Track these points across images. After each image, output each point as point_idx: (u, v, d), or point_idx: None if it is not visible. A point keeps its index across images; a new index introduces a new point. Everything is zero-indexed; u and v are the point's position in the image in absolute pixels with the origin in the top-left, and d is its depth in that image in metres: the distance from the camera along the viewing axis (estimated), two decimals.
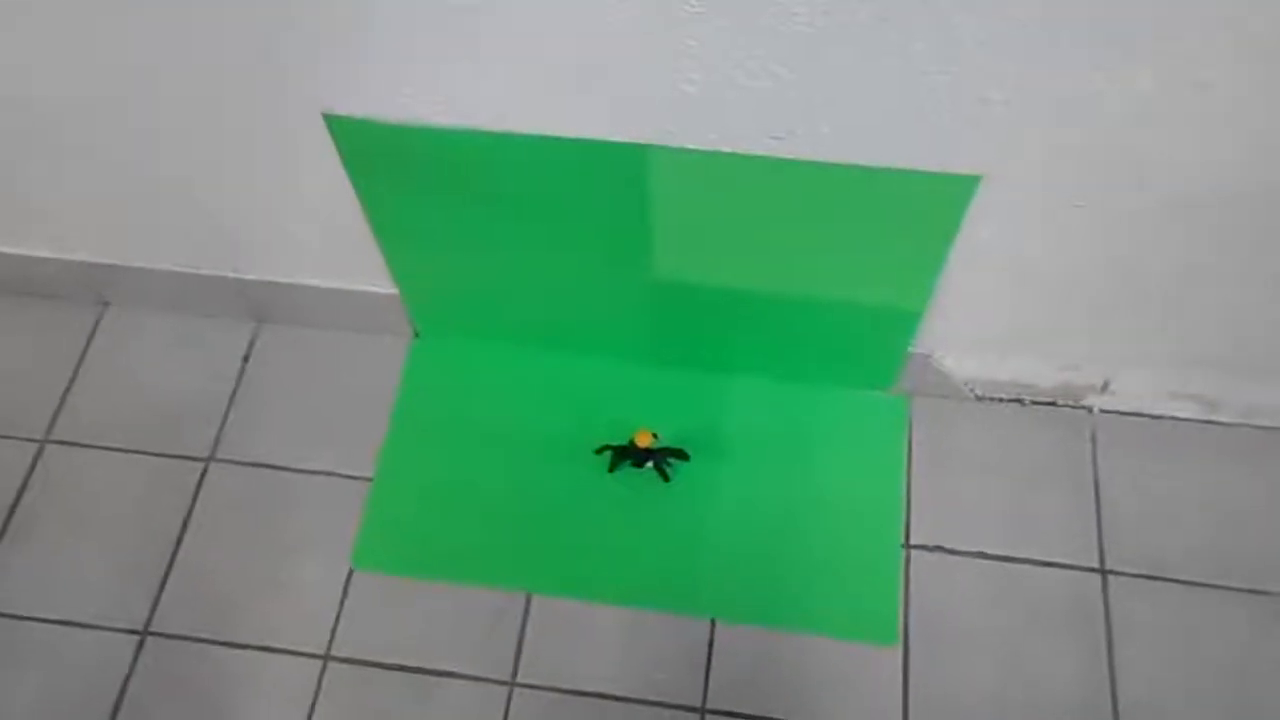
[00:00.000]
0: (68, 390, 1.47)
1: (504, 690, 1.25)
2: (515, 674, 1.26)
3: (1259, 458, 1.37)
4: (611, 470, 1.37)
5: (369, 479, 1.39)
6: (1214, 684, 1.24)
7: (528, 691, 1.25)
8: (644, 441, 1.32)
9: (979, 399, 1.42)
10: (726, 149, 1.02)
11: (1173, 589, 1.29)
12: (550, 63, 0.96)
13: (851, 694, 1.24)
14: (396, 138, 1.08)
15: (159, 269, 1.43)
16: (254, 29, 0.98)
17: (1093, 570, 1.31)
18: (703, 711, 1.24)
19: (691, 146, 1.03)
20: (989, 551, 1.32)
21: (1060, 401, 1.41)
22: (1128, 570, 1.30)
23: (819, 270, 1.19)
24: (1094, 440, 1.39)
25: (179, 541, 1.36)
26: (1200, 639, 1.26)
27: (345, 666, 1.27)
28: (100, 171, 1.24)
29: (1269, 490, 1.35)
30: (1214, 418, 1.39)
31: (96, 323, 1.52)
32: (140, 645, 1.29)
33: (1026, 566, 1.31)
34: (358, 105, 1.05)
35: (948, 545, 1.33)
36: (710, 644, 1.28)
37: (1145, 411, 1.40)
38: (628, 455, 1.34)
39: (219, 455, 1.42)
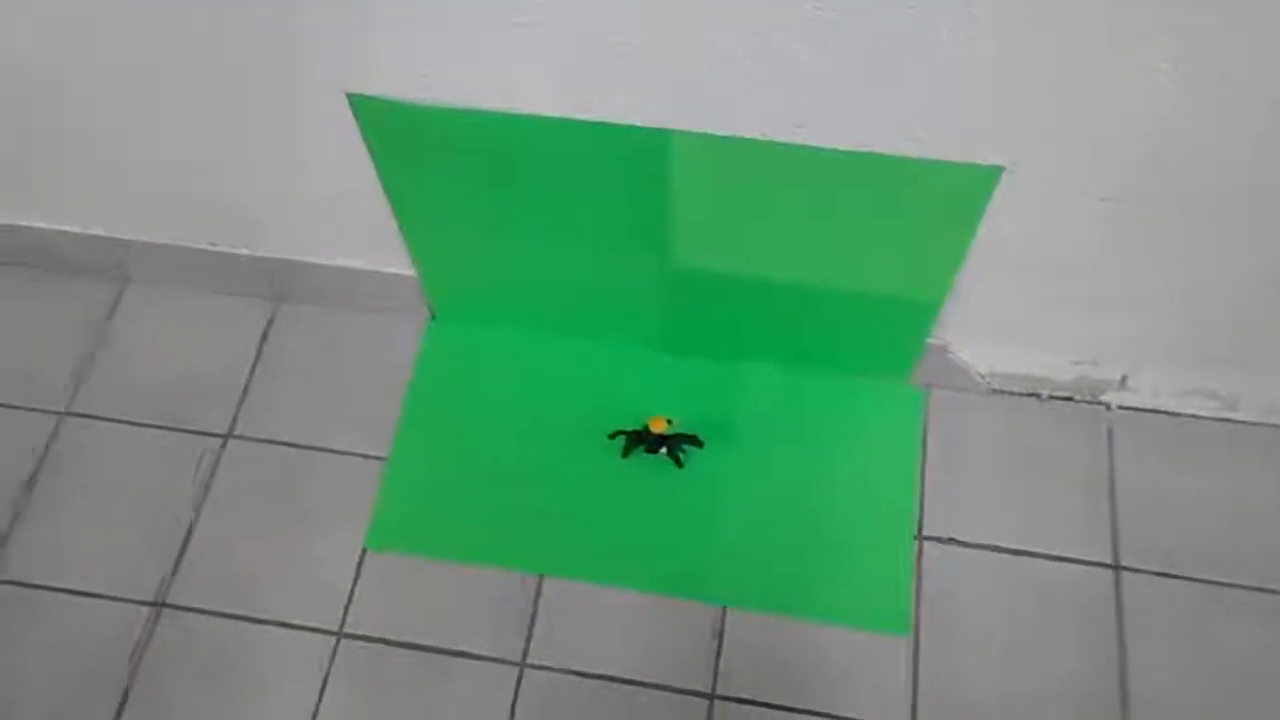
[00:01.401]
0: (87, 364, 1.48)
1: (514, 671, 1.26)
2: (525, 655, 1.27)
3: (1277, 456, 1.36)
4: (625, 455, 1.37)
5: (384, 459, 1.40)
6: (1224, 682, 1.23)
7: (538, 673, 1.26)
8: (658, 427, 1.32)
9: (995, 392, 1.41)
10: (748, 135, 1.02)
11: (1186, 586, 1.29)
12: (573, 46, 0.96)
13: (861, 683, 1.24)
14: (419, 118, 1.08)
15: (180, 246, 1.44)
16: (279, 7, 0.99)
17: (1106, 566, 1.30)
18: (712, 697, 1.24)
19: (713, 132, 1.02)
20: (1002, 545, 1.32)
21: (1077, 396, 1.40)
22: (1141, 567, 1.30)
23: (838, 259, 1.19)
24: (1110, 436, 1.39)
25: (195, 517, 1.37)
26: (1212, 637, 1.26)
27: (357, 644, 1.28)
28: (122, 148, 1.25)
29: None
30: (1232, 415, 1.38)
31: (117, 298, 1.53)
32: (155, 617, 1.31)
33: (1039, 560, 1.31)
34: (381, 85, 1.06)
35: (960, 537, 1.33)
36: (721, 630, 1.28)
37: (1163, 408, 1.39)
38: (642, 441, 1.34)
39: (236, 432, 1.43)
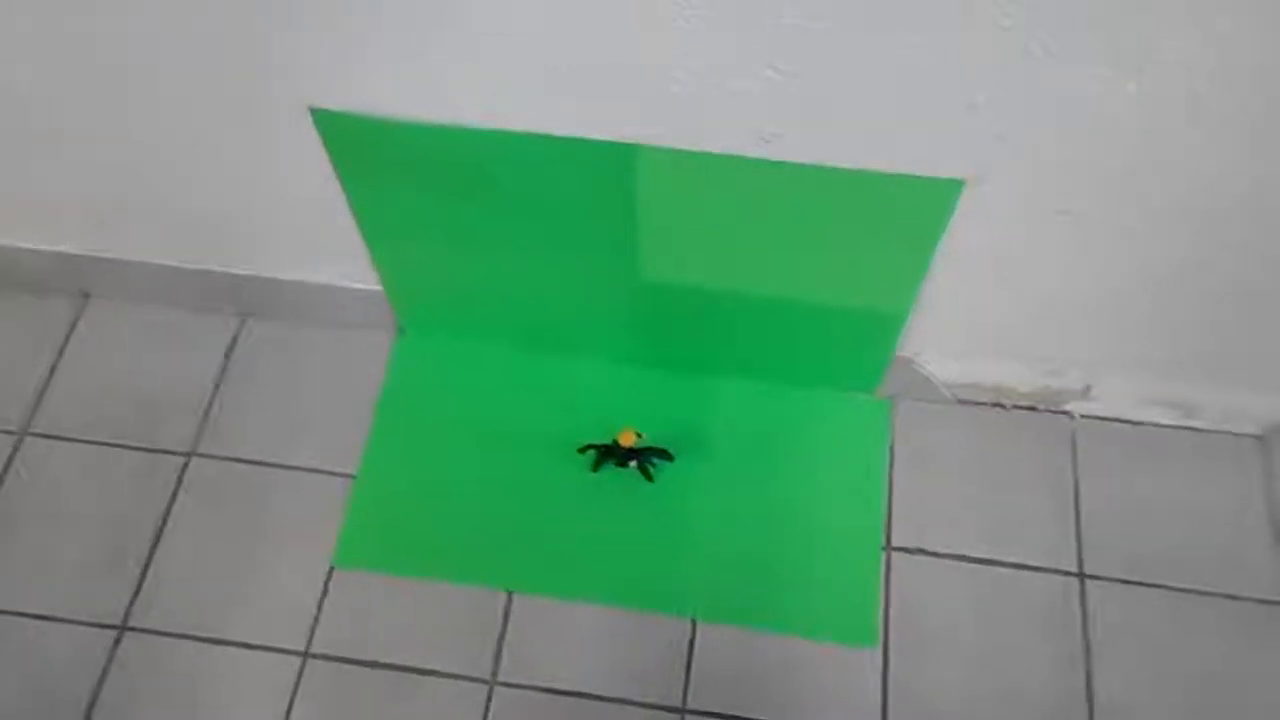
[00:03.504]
0: (47, 382, 1.46)
1: (484, 689, 1.25)
2: (496, 673, 1.26)
3: (1235, 463, 1.38)
4: (595, 469, 1.37)
5: (351, 476, 1.38)
6: (1188, 688, 1.25)
7: (508, 690, 1.25)
8: (628, 441, 1.32)
9: (961, 403, 1.43)
10: (714, 150, 1.03)
11: (1150, 593, 1.30)
12: (539, 60, 0.96)
13: (831, 695, 1.25)
14: (383, 133, 1.07)
15: (142, 262, 1.42)
16: (241, 21, 0.98)
17: (1071, 574, 1.32)
18: (683, 712, 1.24)
19: (679, 147, 1.03)
20: (969, 554, 1.33)
21: (1041, 406, 1.42)
22: (1105, 574, 1.32)
23: (804, 273, 1.20)
24: (1074, 445, 1.40)
25: (158, 536, 1.35)
26: (1176, 643, 1.27)
27: (325, 664, 1.27)
28: (84, 163, 1.23)
29: (1244, 496, 1.36)
30: (1191, 423, 1.40)
31: (78, 315, 1.51)
32: (118, 640, 1.28)
33: (1006, 569, 1.32)
34: (345, 100, 1.05)
35: (928, 548, 1.34)
36: (691, 644, 1.28)
37: (1124, 417, 1.41)
38: (611, 455, 1.34)
39: (200, 450, 1.41)
